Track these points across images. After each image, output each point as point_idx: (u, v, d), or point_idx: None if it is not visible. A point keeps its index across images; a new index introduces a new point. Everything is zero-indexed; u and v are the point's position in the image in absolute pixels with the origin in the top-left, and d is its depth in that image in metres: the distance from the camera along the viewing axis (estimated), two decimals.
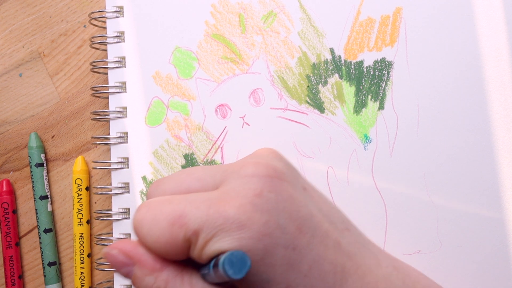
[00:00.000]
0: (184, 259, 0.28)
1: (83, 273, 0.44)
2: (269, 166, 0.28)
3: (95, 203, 0.46)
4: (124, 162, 0.43)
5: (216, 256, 0.26)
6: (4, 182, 0.46)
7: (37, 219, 0.45)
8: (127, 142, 0.43)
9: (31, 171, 0.45)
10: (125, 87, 0.44)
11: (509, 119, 0.40)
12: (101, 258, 0.45)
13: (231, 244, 0.25)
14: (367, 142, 0.41)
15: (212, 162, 0.42)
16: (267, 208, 0.26)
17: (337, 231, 0.29)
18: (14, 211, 0.46)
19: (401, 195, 0.41)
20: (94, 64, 0.44)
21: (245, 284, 0.26)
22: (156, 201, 0.29)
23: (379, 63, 0.42)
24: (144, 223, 0.28)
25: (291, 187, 0.28)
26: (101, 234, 0.44)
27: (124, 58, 0.44)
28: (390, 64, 0.41)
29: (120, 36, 0.44)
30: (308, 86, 0.42)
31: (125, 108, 0.43)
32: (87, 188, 0.45)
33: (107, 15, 0.44)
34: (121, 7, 0.44)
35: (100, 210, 0.44)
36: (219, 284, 0.27)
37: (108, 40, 0.44)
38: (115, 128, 0.43)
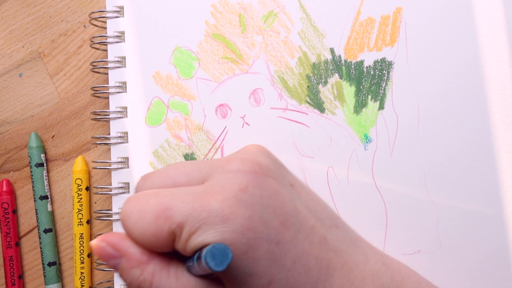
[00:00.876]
0: (170, 252, 0.28)
1: (83, 273, 0.44)
2: (254, 162, 0.29)
3: (95, 203, 0.45)
4: (124, 162, 0.43)
5: (200, 249, 0.26)
6: (4, 182, 0.46)
7: (37, 219, 0.45)
8: (127, 142, 0.43)
9: (31, 171, 0.45)
10: (125, 87, 0.44)
11: (509, 119, 0.40)
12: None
13: (215, 237, 0.26)
14: (367, 142, 0.41)
15: None
16: (251, 203, 0.27)
17: (324, 227, 0.29)
18: (14, 211, 0.46)
19: (401, 195, 0.41)
20: (94, 64, 0.44)
21: (228, 277, 0.27)
22: (143, 194, 0.29)
23: (379, 63, 0.42)
24: (131, 216, 0.28)
25: (276, 183, 0.29)
26: (101, 234, 0.44)
27: (124, 58, 0.44)
28: (390, 64, 0.41)
29: (120, 36, 0.44)
30: (308, 86, 0.42)
31: (125, 108, 0.43)
32: (87, 188, 0.45)
33: (107, 15, 0.44)
34: (121, 7, 0.44)
35: (100, 210, 0.44)
36: (203, 277, 0.28)
37: (108, 40, 0.44)
38: (115, 128, 0.43)
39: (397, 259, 0.33)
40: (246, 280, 0.27)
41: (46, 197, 0.45)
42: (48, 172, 0.46)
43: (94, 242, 0.29)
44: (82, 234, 0.45)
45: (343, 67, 0.42)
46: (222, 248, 0.24)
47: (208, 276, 0.28)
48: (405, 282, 0.31)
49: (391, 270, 0.31)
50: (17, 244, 0.46)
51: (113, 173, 0.43)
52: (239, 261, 0.26)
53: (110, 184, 0.44)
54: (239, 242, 0.26)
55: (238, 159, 0.29)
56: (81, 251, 0.44)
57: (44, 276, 0.45)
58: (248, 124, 0.42)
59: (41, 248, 0.45)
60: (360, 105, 0.42)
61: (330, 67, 0.42)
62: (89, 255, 0.45)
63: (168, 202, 0.27)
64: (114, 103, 0.44)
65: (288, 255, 0.27)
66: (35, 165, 0.45)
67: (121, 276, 0.29)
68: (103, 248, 0.29)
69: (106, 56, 0.44)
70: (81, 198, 0.45)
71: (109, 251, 0.29)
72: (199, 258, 0.25)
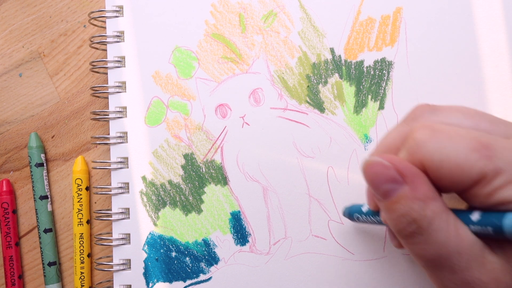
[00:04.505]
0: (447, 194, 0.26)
1: (83, 273, 0.44)
2: None
3: (95, 203, 0.45)
4: (124, 162, 0.43)
5: (508, 202, 0.25)
6: (4, 182, 0.46)
7: (37, 219, 0.45)
8: (127, 142, 0.43)
9: (31, 171, 0.45)
10: (125, 87, 0.44)
11: (508, 118, 0.40)
12: (100, 258, 0.44)
13: None
14: (367, 142, 0.41)
15: (212, 162, 0.42)
16: None
17: None
18: (14, 211, 0.46)
19: None
20: (93, 64, 0.44)
21: None
22: (444, 126, 0.27)
23: (379, 63, 0.41)
24: (435, 140, 0.26)
25: None
26: (101, 234, 0.44)
27: (123, 57, 0.44)
28: (390, 64, 0.41)
29: (119, 36, 0.44)
30: (308, 86, 0.42)
31: (125, 108, 0.43)
32: (87, 188, 0.45)
33: (107, 14, 0.44)
34: (121, 7, 0.44)
35: (100, 210, 0.44)
36: (481, 236, 0.26)
37: (108, 39, 0.44)
38: (114, 128, 0.43)
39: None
40: None
41: (46, 197, 0.45)
42: (48, 172, 0.46)
43: (374, 159, 0.27)
44: (82, 234, 0.45)
45: (343, 67, 0.42)
46: None
47: (489, 237, 0.26)
48: None
49: None
50: (17, 244, 0.46)
51: (113, 173, 0.43)
52: None
53: (110, 184, 0.44)
54: None
55: None
56: (81, 251, 0.44)
57: (44, 276, 0.45)
58: (248, 124, 0.42)
59: (41, 248, 0.45)
60: (360, 105, 0.42)
61: (330, 67, 0.42)
62: (89, 255, 0.45)
63: (488, 141, 0.25)
64: (114, 103, 0.44)
65: None
66: (35, 165, 0.45)
67: (392, 205, 0.26)
68: (387, 168, 0.26)
69: (106, 56, 0.44)
70: (81, 198, 0.45)
71: (391, 173, 0.26)
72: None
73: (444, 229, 0.25)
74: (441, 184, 0.26)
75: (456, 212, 0.27)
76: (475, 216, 0.26)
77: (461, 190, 0.26)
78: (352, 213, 0.37)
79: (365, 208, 0.35)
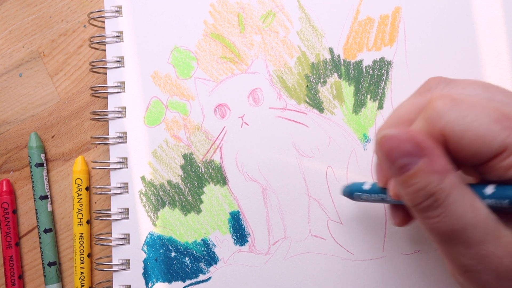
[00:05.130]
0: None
1: (83, 273, 0.44)
2: None
3: (95, 203, 0.46)
4: (123, 162, 0.43)
5: None
6: (4, 182, 0.46)
7: (37, 219, 0.45)
8: (126, 142, 0.43)
9: (31, 171, 0.45)
10: (124, 87, 0.44)
11: None
12: (100, 258, 0.45)
13: None
14: (366, 142, 0.41)
15: (211, 162, 0.42)
16: None
17: None
18: (14, 211, 0.46)
19: None
20: (93, 64, 0.44)
21: None
22: (465, 96, 0.26)
23: (378, 63, 0.41)
24: (456, 109, 0.25)
25: None
26: (100, 234, 0.44)
27: (123, 58, 0.44)
28: (389, 64, 0.41)
29: (119, 36, 0.44)
30: (307, 85, 0.42)
31: (124, 108, 0.43)
32: (87, 188, 0.45)
33: (106, 15, 0.44)
34: (120, 7, 0.44)
35: (100, 210, 0.44)
36: (496, 210, 0.26)
37: (107, 40, 0.44)
38: (114, 128, 0.43)
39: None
40: None
41: (46, 197, 0.45)
42: (48, 172, 0.46)
43: (389, 132, 0.26)
44: (82, 234, 0.45)
45: (342, 67, 0.42)
46: None
47: (503, 210, 0.26)
48: None
49: None
50: (17, 244, 0.46)
51: (112, 173, 0.43)
52: None
53: (110, 184, 0.44)
54: None
55: None
56: (81, 251, 0.44)
57: (44, 276, 0.45)
58: (247, 124, 0.42)
59: (41, 248, 0.45)
60: (359, 105, 0.41)
61: (329, 67, 0.42)
62: (89, 255, 0.45)
63: (511, 112, 0.25)
64: (113, 103, 0.44)
65: None
66: (35, 165, 0.45)
67: (409, 179, 0.26)
68: (403, 141, 0.26)
69: (105, 56, 0.44)
70: (81, 198, 0.45)
71: (407, 146, 0.26)
72: None
73: (460, 202, 0.25)
74: (461, 156, 0.26)
75: (471, 185, 0.27)
76: (490, 189, 0.26)
77: (480, 162, 0.26)
78: (352, 192, 0.36)
79: (367, 186, 0.34)
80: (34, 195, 0.45)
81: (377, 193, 0.33)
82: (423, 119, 0.27)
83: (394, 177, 0.27)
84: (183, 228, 0.42)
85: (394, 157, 0.26)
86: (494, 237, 0.25)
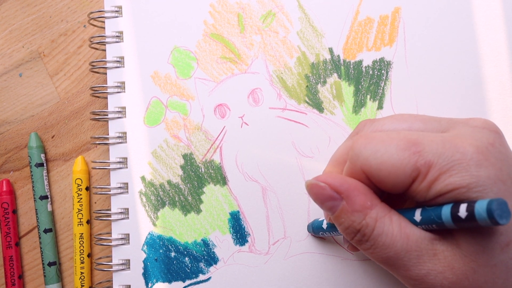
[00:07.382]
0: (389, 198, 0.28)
1: (83, 273, 0.44)
2: (494, 125, 0.28)
3: (95, 203, 0.46)
4: (123, 162, 0.43)
5: (446, 193, 0.25)
6: (4, 182, 0.46)
7: (37, 219, 0.45)
8: (126, 142, 0.43)
9: (31, 171, 0.45)
10: (124, 87, 0.44)
11: (507, 118, 0.40)
12: (100, 258, 0.45)
13: (468, 180, 0.25)
14: None
15: (211, 162, 0.42)
16: (500, 158, 0.26)
17: None
18: (14, 211, 0.46)
19: None
20: (93, 64, 0.44)
21: (466, 233, 0.26)
22: (379, 131, 0.28)
23: (378, 63, 0.41)
24: (370, 145, 0.27)
25: (510, 148, 0.28)
26: (100, 234, 0.44)
27: (123, 58, 0.44)
28: (389, 64, 0.41)
29: (119, 36, 0.44)
30: (307, 85, 0.42)
31: (124, 108, 0.43)
32: (87, 188, 0.45)
33: (106, 15, 0.44)
34: (120, 7, 0.44)
35: (100, 210, 0.44)
36: (428, 230, 0.27)
37: (107, 40, 0.44)
38: (114, 128, 0.43)
39: None
40: (487, 235, 0.25)
41: (46, 197, 0.45)
42: (48, 172, 0.46)
43: (311, 182, 0.28)
44: (82, 234, 0.45)
45: (342, 67, 0.42)
46: (502, 202, 0.23)
47: (435, 230, 0.27)
48: None
49: None
50: (17, 244, 0.46)
51: (112, 173, 0.43)
52: None
53: (110, 184, 0.44)
54: (489, 190, 0.25)
55: (480, 118, 0.29)
56: (81, 251, 0.44)
57: (44, 276, 0.45)
58: (247, 124, 0.42)
59: (41, 248, 0.45)
60: (359, 105, 0.42)
61: (329, 67, 0.42)
62: (89, 255, 0.45)
63: (416, 137, 0.26)
64: (113, 103, 0.44)
65: None
66: (35, 165, 0.45)
67: (337, 218, 0.28)
68: (323, 189, 0.28)
69: (105, 56, 0.44)
70: (81, 198, 0.45)
71: (328, 192, 0.28)
72: (470, 212, 0.24)
73: (388, 232, 0.27)
74: (385, 187, 0.27)
75: (402, 211, 0.28)
76: (417, 215, 0.27)
77: (404, 189, 0.27)
78: (316, 230, 0.39)
79: (325, 225, 0.37)
80: (34, 195, 0.45)
81: (334, 229, 0.36)
82: (348, 160, 0.29)
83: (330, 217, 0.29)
84: (183, 228, 0.42)
85: (320, 201, 0.28)
86: (430, 255, 0.26)
